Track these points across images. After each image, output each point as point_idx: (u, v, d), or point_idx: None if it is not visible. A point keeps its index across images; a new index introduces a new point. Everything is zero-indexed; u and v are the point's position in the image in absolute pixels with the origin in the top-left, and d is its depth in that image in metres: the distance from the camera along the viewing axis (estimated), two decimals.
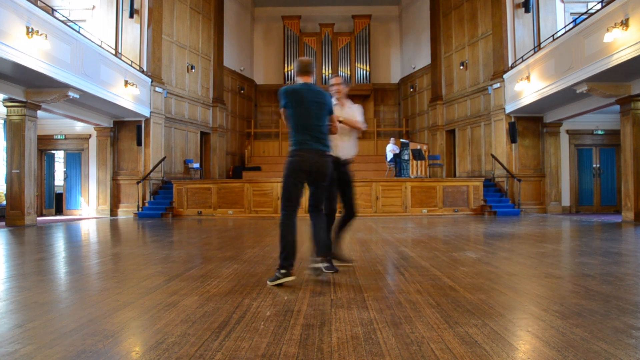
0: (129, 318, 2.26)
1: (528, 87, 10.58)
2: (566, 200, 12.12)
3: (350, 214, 3.69)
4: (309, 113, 3.09)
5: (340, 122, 3.48)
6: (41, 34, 7.56)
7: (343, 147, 3.61)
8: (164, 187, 12.50)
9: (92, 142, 12.54)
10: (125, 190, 12.21)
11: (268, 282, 3.02)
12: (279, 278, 2.95)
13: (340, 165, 3.57)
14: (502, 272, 3.44)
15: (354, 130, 3.67)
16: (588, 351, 1.72)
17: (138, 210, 11.72)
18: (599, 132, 12.21)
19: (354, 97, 18.13)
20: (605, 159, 12.35)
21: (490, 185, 12.36)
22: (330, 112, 3.27)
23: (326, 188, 3.32)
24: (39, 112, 9.41)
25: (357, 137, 3.79)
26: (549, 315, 2.23)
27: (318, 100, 3.13)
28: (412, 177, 12.44)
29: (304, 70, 3.22)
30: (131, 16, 11.98)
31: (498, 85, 12.16)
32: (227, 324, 2.11)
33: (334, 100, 3.58)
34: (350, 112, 3.67)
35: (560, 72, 9.20)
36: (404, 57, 18.39)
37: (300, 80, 3.23)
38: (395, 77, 18.73)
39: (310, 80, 3.25)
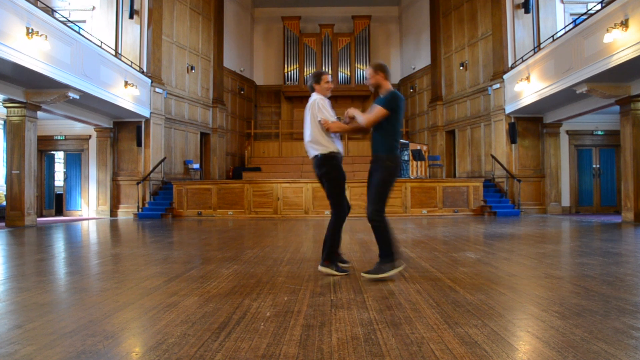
0: (129, 319, 2.26)
1: (528, 87, 10.59)
2: (566, 201, 12.12)
3: None
4: (401, 122, 3.33)
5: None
6: (41, 35, 7.57)
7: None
8: (164, 188, 12.50)
9: (92, 143, 12.54)
10: (125, 191, 12.21)
11: (376, 276, 3.12)
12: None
13: None
14: (502, 272, 3.44)
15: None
16: (588, 351, 1.72)
17: (138, 210, 11.72)
18: (599, 132, 12.21)
19: (354, 97, 18.17)
20: (605, 160, 12.35)
21: (490, 186, 12.37)
22: None
23: None
24: (39, 113, 9.41)
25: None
26: (548, 315, 2.23)
27: None
28: (412, 177, 12.44)
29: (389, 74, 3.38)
30: (131, 17, 11.98)
31: (498, 85, 12.16)
32: (227, 325, 2.11)
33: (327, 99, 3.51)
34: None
35: (560, 72, 9.20)
36: (403, 58, 18.40)
37: (391, 85, 3.36)
38: (395, 77, 18.72)
39: None
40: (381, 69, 3.32)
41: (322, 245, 3.42)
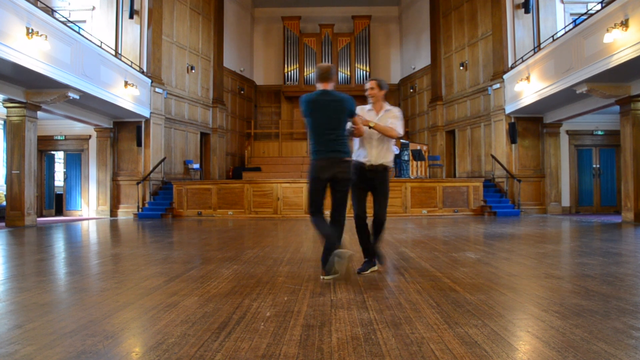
0: (129, 319, 2.26)
1: (528, 87, 10.59)
2: (566, 201, 12.12)
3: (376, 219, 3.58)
4: (324, 120, 3.18)
5: (370, 127, 3.39)
6: (41, 35, 7.57)
7: (372, 152, 3.45)
8: (164, 188, 12.50)
9: (92, 143, 12.54)
10: (125, 191, 12.21)
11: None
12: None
13: (368, 171, 3.44)
14: (502, 272, 3.44)
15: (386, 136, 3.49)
16: (588, 351, 1.72)
17: (138, 211, 11.71)
18: (599, 132, 12.21)
19: (354, 97, 18.10)
20: (605, 160, 12.35)
21: (490, 186, 12.36)
22: (352, 114, 3.29)
23: (345, 193, 3.31)
24: (39, 113, 9.41)
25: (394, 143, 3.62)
26: (549, 315, 2.23)
27: (334, 106, 3.20)
28: (412, 177, 12.44)
29: (323, 76, 3.26)
30: (131, 17, 11.98)
31: (498, 85, 12.16)
32: (227, 325, 2.11)
33: (368, 106, 3.61)
34: (385, 118, 3.51)
35: (560, 72, 9.20)
36: (403, 58, 18.39)
37: (319, 86, 3.28)
38: (395, 77, 18.74)
39: (329, 86, 3.27)
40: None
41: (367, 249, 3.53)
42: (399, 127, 3.51)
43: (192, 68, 14.15)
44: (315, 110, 3.18)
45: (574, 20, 11.28)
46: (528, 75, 10.53)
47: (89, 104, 10.31)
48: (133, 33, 12.22)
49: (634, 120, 8.57)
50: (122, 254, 4.76)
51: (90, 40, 9.58)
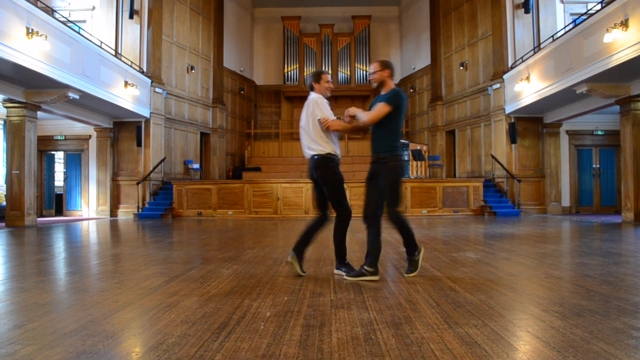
0: (129, 319, 2.26)
1: (528, 87, 10.59)
2: (566, 201, 12.11)
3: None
4: (402, 122, 3.31)
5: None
6: (41, 35, 7.57)
7: None
8: (164, 188, 12.50)
9: (92, 143, 12.54)
10: (125, 191, 12.21)
11: (359, 278, 3.12)
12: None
13: None
14: (502, 272, 3.44)
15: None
16: (588, 351, 1.72)
17: (138, 211, 11.71)
18: (599, 132, 12.21)
19: (354, 97, 18.18)
20: (605, 160, 12.35)
21: (490, 186, 12.36)
22: None
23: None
24: (39, 113, 9.41)
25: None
26: (549, 315, 2.23)
27: None
28: (412, 177, 12.44)
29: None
30: (131, 17, 11.98)
31: (498, 85, 12.16)
32: (227, 325, 2.11)
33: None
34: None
35: (560, 72, 9.20)
36: (403, 58, 18.39)
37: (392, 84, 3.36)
38: (395, 77, 18.66)
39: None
40: (388, 66, 3.33)
41: (334, 249, 3.38)
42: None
43: (192, 68, 14.15)
44: (405, 107, 3.28)
45: (574, 20, 11.28)
46: (528, 75, 10.52)
47: (89, 104, 10.31)
48: (133, 33, 12.22)
49: (634, 120, 8.57)
50: (122, 254, 4.76)
51: (90, 40, 9.58)
